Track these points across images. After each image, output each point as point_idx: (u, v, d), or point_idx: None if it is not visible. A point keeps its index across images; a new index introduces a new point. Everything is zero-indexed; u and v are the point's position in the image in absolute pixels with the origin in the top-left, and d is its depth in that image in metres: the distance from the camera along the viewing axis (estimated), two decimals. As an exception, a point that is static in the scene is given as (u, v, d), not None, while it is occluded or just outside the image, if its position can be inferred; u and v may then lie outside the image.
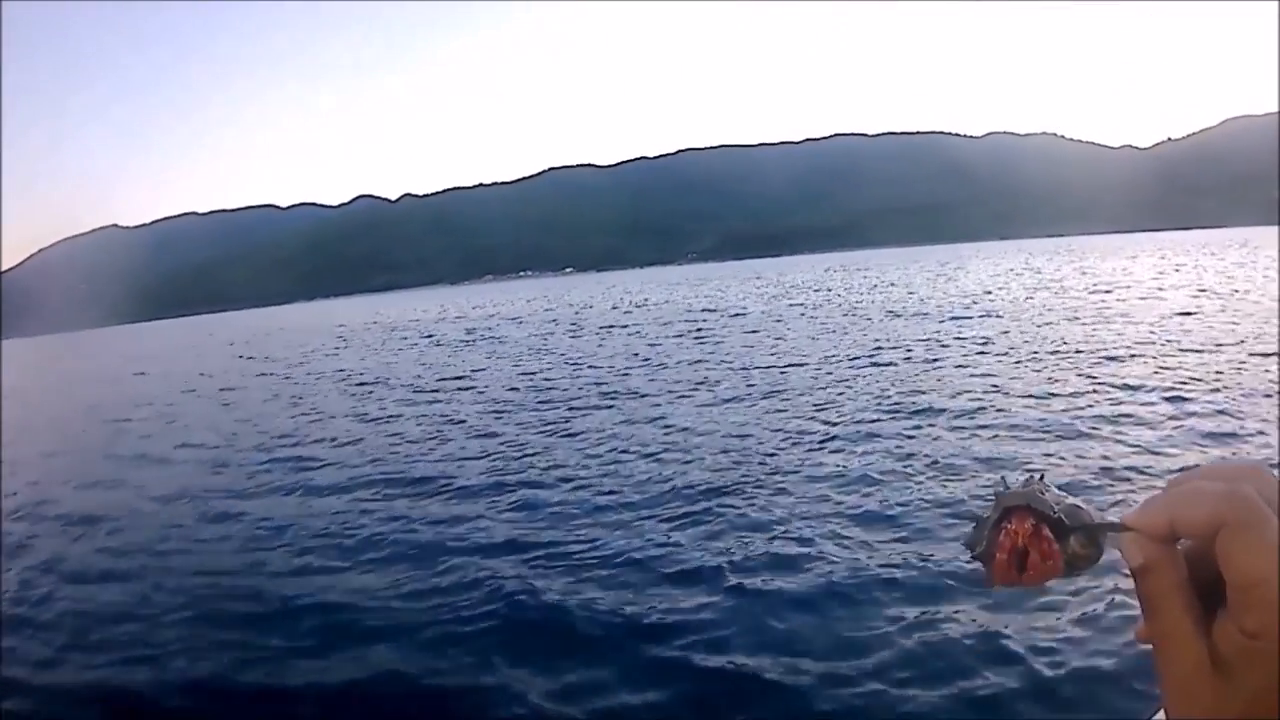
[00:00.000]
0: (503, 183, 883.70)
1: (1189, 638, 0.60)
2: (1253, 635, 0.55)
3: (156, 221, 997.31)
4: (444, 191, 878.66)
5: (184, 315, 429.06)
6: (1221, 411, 12.39)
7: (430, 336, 48.15)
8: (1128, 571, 0.63)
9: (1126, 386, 14.75)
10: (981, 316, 30.16)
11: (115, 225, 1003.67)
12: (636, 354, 27.36)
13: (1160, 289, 37.59)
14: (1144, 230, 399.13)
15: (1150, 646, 0.63)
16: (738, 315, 42.10)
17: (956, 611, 6.58)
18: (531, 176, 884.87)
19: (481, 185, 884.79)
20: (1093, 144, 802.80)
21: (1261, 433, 11.15)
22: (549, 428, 15.92)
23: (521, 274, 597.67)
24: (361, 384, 26.50)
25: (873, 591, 7.07)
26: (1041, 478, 0.71)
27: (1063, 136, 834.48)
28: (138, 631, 7.90)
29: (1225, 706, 0.58)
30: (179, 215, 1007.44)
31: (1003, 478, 0.73)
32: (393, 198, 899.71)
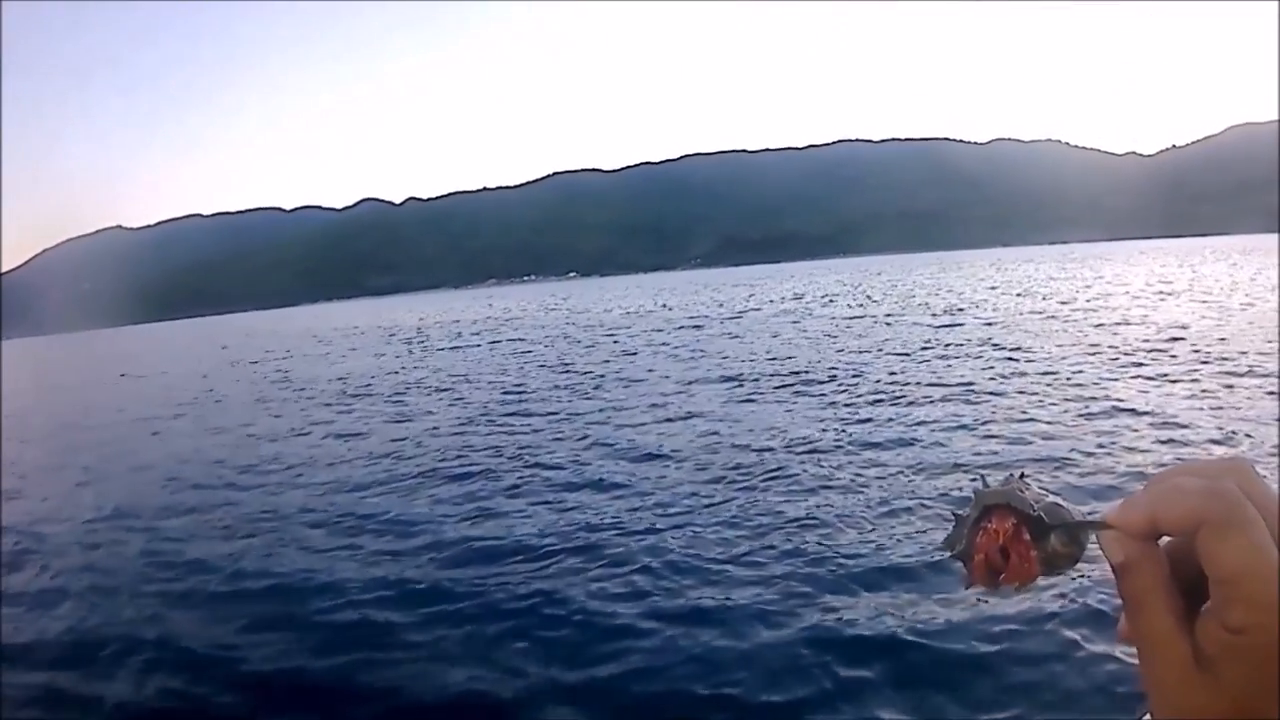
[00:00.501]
0: (507, 187, 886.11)
1: (1172, 635, 0.60)
2: (1237, 631, 0.55)
3: (161, 223, 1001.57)
4: (448, 195, 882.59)
5: (186, 317, 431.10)
6: (1214, 439, 11.59)
7: (422, 342, 47.67)
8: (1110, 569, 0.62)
9: (1116, 410, 13.81)
10: (972, 325, 29.56)
11: (119, 226, 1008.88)
12: (613, 366, 26.59)
13: (1161, 296, 37.01)
14: (1146, 238, 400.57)
15: (1133, 647, 0.63)
16: (730, 319, 41.66)
17: (891, 687, 5.89)
18: (535, 181, 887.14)
19: (485, 189, 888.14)
20: (1097, 150, 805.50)
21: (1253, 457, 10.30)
22: (497, 447, 15.07)
23: (524, 278, 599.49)
24: (340, 393, 25.67)
25: (800, 656, 6.28)
26: (1022, 475, 0.70)
27: (1067, 143, 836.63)
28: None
29: (1210, 705, 0.57)
30: (184, 217, 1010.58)
31: (982, 476, 0.72)
32: (397, 201, 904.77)
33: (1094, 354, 20.03)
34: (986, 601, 6.33)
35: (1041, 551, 0.65)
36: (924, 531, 8.55)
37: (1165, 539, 0.62)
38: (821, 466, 11.49)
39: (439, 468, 13.66)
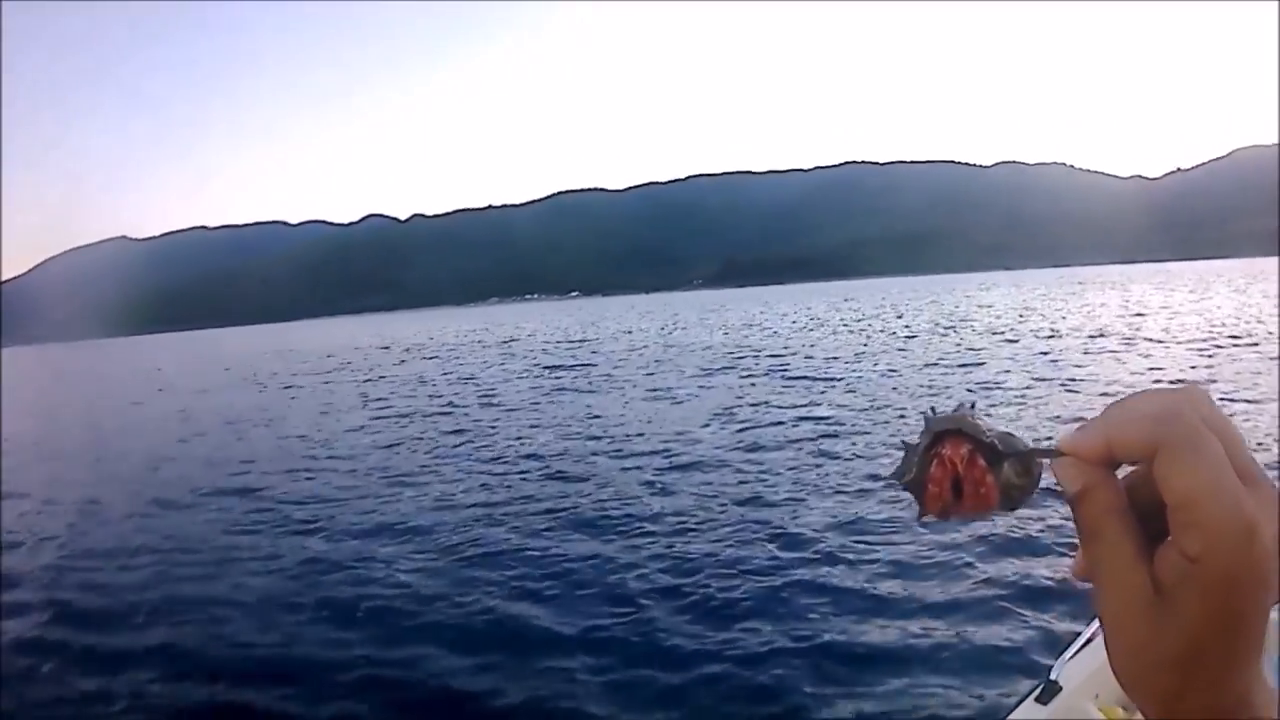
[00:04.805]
0: (512, 205, 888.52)
1: (1130, 564, 0.58)
2: (1194, 559, 0.54)
3: (166, 234, 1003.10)
4: (453, 212, 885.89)
5: (185, 329, 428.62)
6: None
7: (369, 373, 43.81)
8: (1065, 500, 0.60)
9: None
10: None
11: (125, 237, 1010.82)
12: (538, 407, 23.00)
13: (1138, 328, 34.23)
14: (1149, 261, 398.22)
15: (1089, 582, 0.61)
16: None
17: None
18: (541, 199, 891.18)
19: (491, 207, 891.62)
20: (1102, 174, 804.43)
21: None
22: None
23: (526, 297, 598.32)
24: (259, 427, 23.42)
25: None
26: (973, 406, 0.67)
27: (1072, 166, 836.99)
28: None
29: (1167, 639, 0.56)
30: (189, 229, 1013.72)
31: (931, 406, 0.70)
32: (402, 217, 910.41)
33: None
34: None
35: (997, 479, 0.63)
36: None
37: (1123, 472, 0.60)
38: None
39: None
